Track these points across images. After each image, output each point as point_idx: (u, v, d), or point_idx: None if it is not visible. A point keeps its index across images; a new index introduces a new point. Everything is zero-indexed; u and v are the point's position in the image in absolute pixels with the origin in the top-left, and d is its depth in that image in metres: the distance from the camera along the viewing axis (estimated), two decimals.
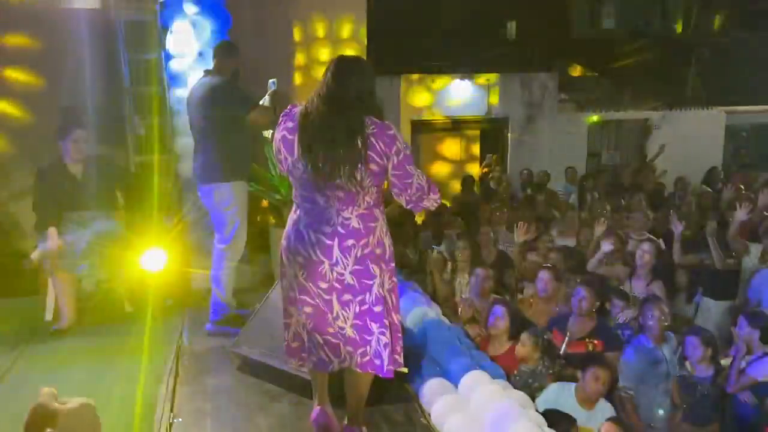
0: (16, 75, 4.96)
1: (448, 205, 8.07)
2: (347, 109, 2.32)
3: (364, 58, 8.49)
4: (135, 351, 3.87)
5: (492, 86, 10.45)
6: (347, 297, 2.41)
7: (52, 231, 4.10)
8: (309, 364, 2.59)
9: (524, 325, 3.96)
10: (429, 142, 10.79)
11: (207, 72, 3.94)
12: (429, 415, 3.01)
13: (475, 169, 10.78)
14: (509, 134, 10.58)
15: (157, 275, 4.44)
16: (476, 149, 11.00)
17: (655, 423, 3.70)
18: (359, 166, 2.29)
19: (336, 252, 2.37)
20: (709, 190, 8.46)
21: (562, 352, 3.94)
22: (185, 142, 4.49)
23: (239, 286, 4.59)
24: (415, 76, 10.27)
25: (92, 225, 4.23)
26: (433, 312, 3.94)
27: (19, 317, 4.43)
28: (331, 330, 2.48)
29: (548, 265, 4.75)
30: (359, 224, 2.37)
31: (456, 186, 9.62)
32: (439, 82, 10.30)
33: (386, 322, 2.44)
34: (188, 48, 4.66)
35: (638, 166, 9.58)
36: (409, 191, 2.42)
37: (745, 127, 11.55)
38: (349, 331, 2.45)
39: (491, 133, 10.87)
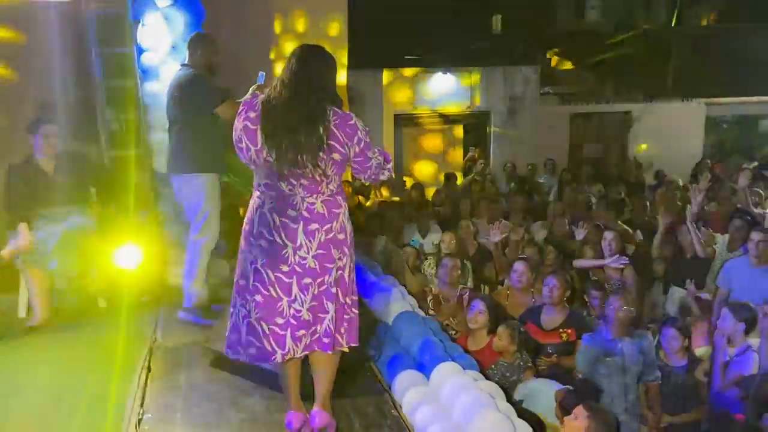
0: None
1: (431, 199, 8.10)
2: (310, 96, 2.36)
3: (346, 52, 8.50)
4: (108, 347, 3.84)
5: (475, 80, 10.46)
6: (307, 280, 2.45)
7: (23, 227, 4.05)
8: (245, 358, 2.59)
9: (504, 319, 3.97)
10: (412, 136, 10.80)
11: (182, 65, 3.91)
12: (400, 407, 3.01)
13: (458, 162, 10.81)
14: (492, 127, 10.61)
15: (131, 271, 4.41)
16: (459, 143, 11.02)
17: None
18: (321, 154, 2.33)
19: (301, 236, 2.41)
20: (679, 180, 8.53)
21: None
22: (159, 136, 4.45)
23: (217, 281, 4.57)
24: (398, 70, 10.26)
25: (64, 221, 4.18)
26: (407, 305, 3.94)
27: None
28: (280, 320, 2.48)
29: (523, 256, 4.77)
30: (323, 209, 2.43)
31: (439, 180, 9.64)
32: (422, 76, 10.30)
33: (341, 302, 2.52)
34: (161, 41, 4.62)
35: (619, 158, 9.64)
36: (369, 171, 2.53)
37: (726, 118, 11.65)
38: (305, 314, 2.47)
39: (474, 126, 10.90)
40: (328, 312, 2.48)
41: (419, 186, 8.70)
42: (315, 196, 2.42)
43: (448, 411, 2.82)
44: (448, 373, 3.04)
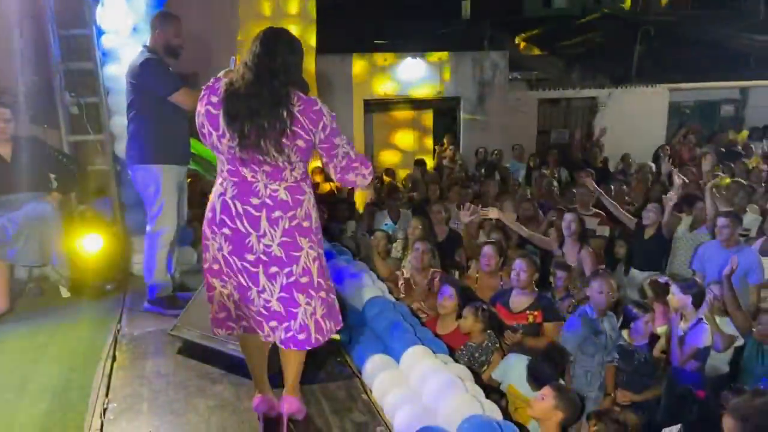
0: None
1: (402, 185, 8.11)
2: (273, 80, 2.29)
3: (314, 36, 8.39)
4: (71, 336, 3.77)
5: (444, 65, 10.46)
6: (274, 269, 2.39)
7: None
8: (240, 330, 2.56)
9: (470, 301, 4.00)
10: (382, 121, 10.76)
11: (142, 47, 3.79)
12: (370, 390, 3.02)
13: (428, 147, 10.82)
14: (461, 113, 10.64)
15: (94, 259, 4.32)
16: (429, 128, 11.03)
17: (588, 393, 3.78)
18: (284, 140, 2.27)
19: (264, 223, 2.35)
20: (652, 165, 8.69)
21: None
22: (120, 121, 4.32)
23: (184, 269, 4.50)
24: (367, 55, 10.18)
25: (23, 208, 4.05)
26: (378, 290, 3.94)
27: None
28: (252, 308, 2.45)
29: (491, 240, 4.80)
30: (287, 196, 2.37)
31: (409, 165, 9.64)
32: (391, 61, 10.25)
33: (312, 293, 2.44)
34: (121, 23, 4.48)
35: (586, 143, 9.76)
36: (335, 160, 2.42)
37: (689, 103, 11.89)
38: (275, 305, 2.42)
39: (444, 111, 10.91)
40: (299, 305, 2.42)
41: (391, 171, 8.71)
42: (278, 183, 2.36)
43: (417, 394, 2.84)
44: (418, 357, 3.06)
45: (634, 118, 10.60)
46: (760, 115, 11.65)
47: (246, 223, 2.36)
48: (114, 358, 3.39)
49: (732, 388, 3.39)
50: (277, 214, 2.35)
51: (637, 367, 3.86)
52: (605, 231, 5.87)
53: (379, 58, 10.25)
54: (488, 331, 3.76)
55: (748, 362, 3.86)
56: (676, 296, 3.99)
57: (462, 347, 3.76)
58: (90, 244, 4.25)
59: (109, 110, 4.59)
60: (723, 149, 9.42)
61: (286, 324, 2.44)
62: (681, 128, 10.84)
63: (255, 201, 2.35)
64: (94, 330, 3.81)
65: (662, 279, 4.76)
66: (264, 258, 2.38)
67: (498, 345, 3.78)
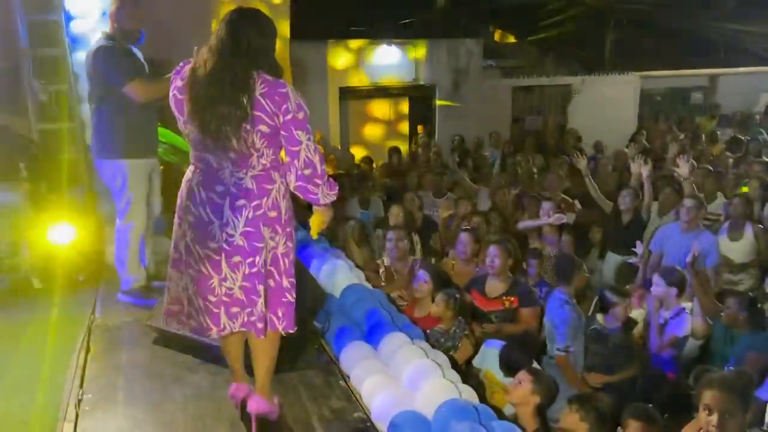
0: None
1: (377, 173, 8.11)
2: (236, 63, 2.19)
3: (288, 22, 8.29)
4: (44, 328, 3.71)
5: (419, 53, 10.45)
6: (237, 259, 2.31)
7: None
8: (187, 327, 2.51)
9: (448, 287, 4.03)
10: (357, 109, 10.72)
11: (101, 33, 3.65)
12: (348, 378, 3.03)
13: (404, 135, 10.82)
14: (437, 100, 10.65)
15: (66, 249, 4.25)
16: (405, 116, 11.02)
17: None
18: (246, 125, 2.18)
19: (227, 212, 2.28)
20: (626, 150, 8.82)
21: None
22: (92, 108, 4.24)
23: (159, 258, 4.45)
24: (342, 42, 10.11)
25: None
26: (355, 277, 3.95)
27: None
28: (212, 298, 2.37)
29: (467, 227, 4.84)
30: (253, 185, 2.28)
31: (384, 153, 9.63)
32: (367, 48, 10.20)
33: (270, 283, 2.37)
34: (90, 8, 4.38)
35: (559, 130, 9.87)
36: (296, 162, 2.27)
37: (659, 90, 12.07)
38: (237, 293, 2.36)
39: (419, 99, 10.90)
40: (260, 295, 2.34)
41: (369, 159, 8.70)
42: (244, 170, 2.26)
43: (395, 380, 2.86)
44: (395, 344, 3.08)
45: (606, 104, 10.74)
46: (728, 103, 11.89)
47: (209, 211, 2.30)
48: (88, 349, 3.35)
49: (701, 370, 3.48)
50: (241, 202, 2.28)
51: (612, 350, 3.94)
52: (570, 217, 5.94)
53: (355, 45, 10.19)
54: (458, 318, 3.80)
55: (716, 345, 3.96)
56: (659, 286, 4.05)
57: (428, 330, 3.77)
58: (61, 233, 4.18)
59: (79, 97, 4.50)
60: (691, 135, 9.61)
61: (248, 310, 2.37)
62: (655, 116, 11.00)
63: (219, 188, 2.28)
64: (67, 321, 3.76)
65: (632, 260, 4.87)
66: (226, 247, 2.31)
67: (467, 332, 3.81)
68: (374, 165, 8.53)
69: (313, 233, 2.58)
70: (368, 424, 2.68)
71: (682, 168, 5.32)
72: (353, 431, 2.64)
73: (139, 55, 3.72)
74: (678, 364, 4.01)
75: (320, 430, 2.64)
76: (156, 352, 3.32)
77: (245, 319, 2.39)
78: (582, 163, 5.93)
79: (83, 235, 4.28)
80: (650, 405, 3.40)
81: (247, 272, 2.33)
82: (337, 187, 2.44)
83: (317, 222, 2.53)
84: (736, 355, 3.66)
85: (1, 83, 4.51)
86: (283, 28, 8.18)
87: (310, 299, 3.34)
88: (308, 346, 3.34)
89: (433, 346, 3.30)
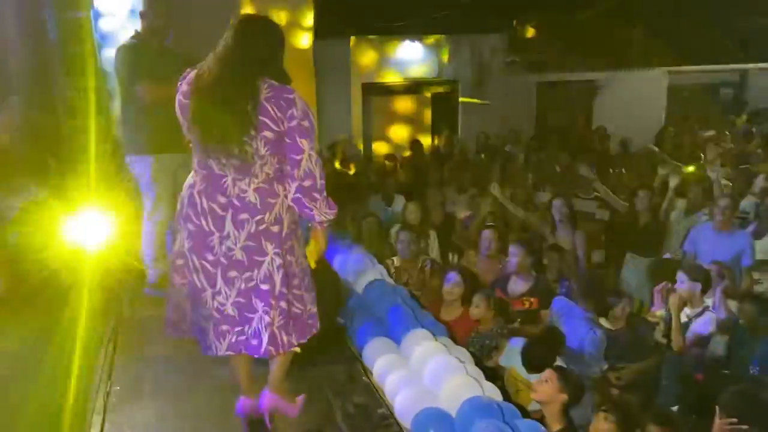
0: None
1: (398, 168, 8.09)
2: (241, 71, 2.16)
3: (311, 19, 8.31)
4: (73, 320, 3.78)
5: (443, 48, 10.40)
6: (233, 273, 2.25)
7: None
8: (191, 334, 2.42)
9: (477, 289, 4.02)
10: (380, 105, 10.70)
11: (134, 31, 3.73)
12: (371, 373, 3.04)
13: (426, 130, 10.79)
14: (459, 97, 10.59)
15: (94, 244, 4.32)
16: (428, 112, 10.99)
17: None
18: (251, 132, 2.13)
19: (228, 225, 2.22)
20: (656, 149, 8.68)
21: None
22: (120, 104, 4.31)
23: None
24: (365, 38, 10.11)
25: (23, 193, 4.05)
26: (378, 273, 3.96)
27: None
28: (203, 311, 2.31)
29: (491, 224, 4.81)
30: (256, 199, 2.21)
31: (407, 149, 9.62)
32: (390, 44, 10.18)
33: (272, 301, 2.25)
34: (118, 5, 4.45)
35: (584, 126, 9.74)
36: (297, 172, 2.19)
37: (688, 86, 11.84)
38: (229, 309, 2.28)
39: (442, 95, 10.85)
40: (256, 311, 2.25)
41: (392, 156, 8.70)
42: (247, 180, 2.19)
43: (418, 376, 2.86)
44: (418, 340, 3.08)
45: (633, 101, 10.56)
46: (758, 99, 11.62)
47: (210, 222, 2.23)
48: (116, 343, 3.42)
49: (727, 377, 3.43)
50: (244, 216, 2.21)
51: (624, 347, 3.90)
52: (605, 215, 5.88)
53: (378, 41, 10.18)
54: (497, 318, 3.78)
55: (739, 347, 3.89)
56: (684, 283, 3.98)
57: (473, 334, 3.74)
58: (91, 228, 4.24)
59: (108, 94, 4.57)
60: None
61: (238, 329, 2.29)
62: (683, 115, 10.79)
63: (222, 199, 2.22)
64: (95, 314, 3.81)
65: (668, 256, 4.81)
66: (223, 261, 2.25)
67: (506, 331, 3.79)
68: (398, 162, 8.51)
69: (311, 262, 2.42)
70: (391, 420, 2.68)
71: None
72: (376, 427, 2.65)
73: (173, 54, 3.74)
74: (704, 363, 3.94)
75: (344, 426, 2.65)
76: (181, 345, 3.33)
77: (234, 339, 2.29)
78: (584, 169, 5.84)
79: (111, 231, 4.34)
80: (677, 407, 3.36)
81: (243, 287, 2.26)
82: (336, 208, 2.33)
83: (314, 249, 2.39)
84: (760, 356, 3.58)
85: (32, 80, 4.59)
86: (308, 24, 8.23)
87: (333, 295, 3.36)
88: (331, 341, 3.35)
89: (477, 350, 3.29)
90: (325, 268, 3.41)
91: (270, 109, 2.14)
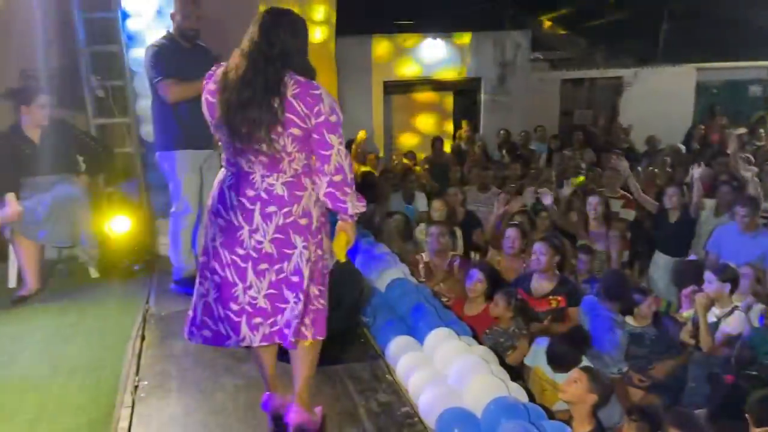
0: None
1: (420, 167, 8.09)
2: (269, 67, 2.14)
3: (333, 16, 8.32)
4: (101, 316, 3.85)
5: (465, 46, 10.34)
6: (263, 266, 2.25)
7: (10, 197, 3.99)
8: (199, 339, 2.40)
9: (501, 286, 4.00)
10: (401, 103, 10.70)
11: (166, 32, 3.81)
12: (394, 371, 3.04)
13: (448, 128, 10.75)
14: (482, 94, 10.53)
15: (122, 240, 4.40)
16: (449, 109, 10.95)
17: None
18: (278, 128, 2.13)
19: (257, 218, 2.23)
20: (683, 147, 8.55)
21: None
22: (146, 104, 4.36)
23: None
24: (387, 36, 10.10)
25: (52, 190, 4.13)
26: (400, 272, 3.96)
27: None
28: (234, 306, 2.30)
29: (514, 222, 4.78)
30: (284, 191, 2.22)
31: (428, 147, 9.59)
32: (411, 41, 10.15)
33: (301, 295, 2.25)
34: (146, 6, 4.50)
35: (610, 124, 9.62)
36: (327, 167, 2.20)
37: (716, 83, 11.63)
38: (261, 301, 2.28)
39: (465, 93, 10.80)
40: (287, 302, 2.26)
41: (412, 155, 8.69)
42: (275, 175, 2.20)
43: (442, 376, 2.85)
44: (442, 339, 3.07)
45: (660, 98, 10.39)
46: None
47: (240, 216, 2.24)
48: (143, 338, 3.46)
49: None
50: (272, 209, 2.22)
51: (650, 347, 3.85)
52: (629, 214, 5.81)
53: (399, 38, 10.16)
54: (516, 318, 3.77)
55: (762, 345, 3.82)
56: (713, 284, 3.92)
57: (488, 330, 3.76)
58: (117, 225, 4.32)
59: (134, 93, 4.64)
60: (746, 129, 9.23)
61: (271, 320, 2.29)
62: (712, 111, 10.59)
63: (250, 193, 2.23)
64: (122, 310, 3.89)
65: (693, 257, 4.74)
66: (254, 254, 2.25)
67: (525, 331, 3.77)
68: (417, 160, 8.50)
69: (341, 256, 2.40)
70: (416, 419, 2.68)
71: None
72: (401, 426, 2.64)
73: (204, 53, 3.80)
74: (733, 364, 3.88)
75: (368, 424, 2.65)
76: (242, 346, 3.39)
77: (267, 331, 2.30)
78: (623, 164, 5.75)
79: (138, 227, 4.41)
80: (705, 409, 3.31)
81: (273, 279, 2.27)
82: (365, 201, 2.33)
83: (342, 242, 2.36)
84: None
85: (61, 80, 4.67)
86: (331, 21, 8.23)
87: (356, 293, 3.37)
88: (355, 339, 3.36)
89: (492, 346, 3.28)
90: (348, 265, 3.42)
91: (297, 105, 2.13)
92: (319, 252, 2.33)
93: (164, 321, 3.69)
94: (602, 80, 11.05)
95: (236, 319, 2.31)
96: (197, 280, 2.40)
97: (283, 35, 2.19)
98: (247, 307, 2.30)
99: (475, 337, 3.30)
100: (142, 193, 4.68)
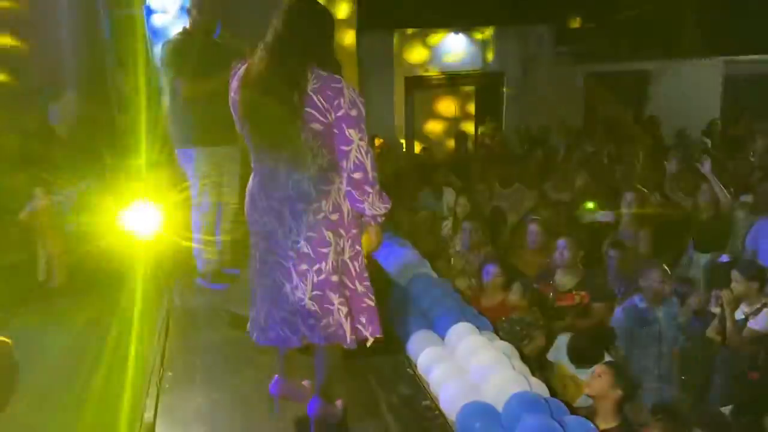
0: None
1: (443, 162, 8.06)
2: (290, 58, 2.09)
3: (355, 12, 8.31)
4: (127, 309, 3.90)
5: (487, 40, 10.26)
6: (303, 267, 2.21)
7: (39, 191, 4.08)
8: (265, 341, 2.42)
9: (517, 278, 3.99)
10: (424, 99, 10.66)
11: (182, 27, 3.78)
12: (415, 366, 3.05)
13: (470, 124, 10.70)
14: (504, 89, 10.44)
15: (147, 234, 4.45)
16: (472, 105, 10.88)
17: (646, 385, 3.72)
18: (299, 124, 2.07)
19: (287, 218, 2.19)
20: (707, 140, 8.40)
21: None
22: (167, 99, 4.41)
23: (234, 247, 4.59)
24: (409, 31, 10.07)
25: (80, 184, 4.21)
26: (423, 266, 3.96)
27: (10, 277, 4.43)
28: (288, 307, 2.29)
29: (536, 217, 4.75)
30: (310, 187, 2.15)
31: (452, 143, 9.56)
32: (434, 36, 10.11)
33: (345, 292, 2.25)
34: (169, 2, 4.55)
35: (636, 117, 9.48)
36: (346, 164, 2.12)
37: (745, 76, 11.38)
38: (309, 304, 2.24)
39: (487, 88, 10.73)
40: (333, 303, 2.22)
41: (428, 150, 8.67)
42: (301, 172, 2.14)
43: (463, 370, 2.85)
44: (463, 333, 3.07)
45: (687, 91, 10.21)
46: None
47: (273, 219, 2.23)
48: (168, 330, 3.51)
49: None
50: (300, 207, 2.17)
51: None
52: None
53: (421, 34, 10.12)
54: (533, 308, 3.74)
55: None
56: (739, 282, 3.86)
57: (503, 320, 3.72)
58: (144, 219, 4.37)
59: (159, 88, 4.68)
60: None
61: (324, 321, 2.26)
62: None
63: (277, 194, 2.20)
64: (148, 303, 3.93)
65: (724, 259, 4.65)
66: (292, 254, 2.22)
67: (541, 323, 3.74)
68: (432, 155, 8.46)
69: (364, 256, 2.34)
70: (436, 412, 2.68)
71: None
72: (421, 419, 2.65)
73: (221, 48, 3.75)
74: (761, 362, 3.81)
75: (389, 417, 2.66)
76: (230, 335, 3.44)
77: (322, 333, 2.27)
78: (706, 166, 5.32)
79: (163, 220, 4.46)
80: (731, 406, 3.26)
81: (315, 281, 2.22)
82: (390, 202, 2.24)
83: (365, 244, 2.29)
84: None
85: (87, 75, 4.75)
86: (351, 17, 8.23)
87: (376, 288, 3.38)
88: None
89: (509, 334, 3.27)
90: (370, 261, 3.43)
91: (317, 100, 2.06)
92: (357, 247, 2.27)
93: (189, 314, 3.74)
94: (628, 73, 10.88)
95: (293, 319, 2.30)
96: (253, 284, 2.39)
97: (306, 27, 2.13)
98: (300, 308, 2.27)
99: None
100: (167, 187, 4.73)
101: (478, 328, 3.16)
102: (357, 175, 2.14)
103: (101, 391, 2.98)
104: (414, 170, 7.23)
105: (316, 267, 2.21)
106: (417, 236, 4.88)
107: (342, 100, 2.08)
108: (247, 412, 2.73)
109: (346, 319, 2.24)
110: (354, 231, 2.26)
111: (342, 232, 2.22)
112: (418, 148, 9.75)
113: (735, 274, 3.92)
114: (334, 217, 2.20)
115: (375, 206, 2.19)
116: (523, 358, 3.11)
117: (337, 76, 2.12)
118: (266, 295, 2.35)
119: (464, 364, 2.89)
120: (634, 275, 4.13)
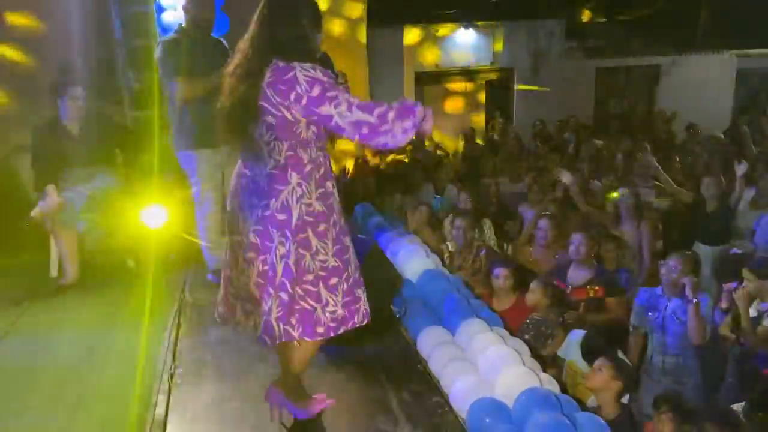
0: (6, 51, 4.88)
1: (452, 158, 8.05)
2: (254, 56, 2.11)
3: (365, 8, 8.29)
4: (138, 305, 3.93)
5: (497, 35, 10.22)
6: (251, 255, 2.26)
7: (51, 189, 4.10)
8: (216, 315, 2.52)
9: (527, 278, 3.97)
10: (433, 93, 10.64)
11: (178, 26, 3.73)
12: (426, 361, 3.04)
13: (480, 119, 10.67)
14: (515, 84, 10.40)
15: (158, 231, 4.47)
16: (482, 99, 10.86)
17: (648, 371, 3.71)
18: (254, 119, 2.10)
19: (246, 207, 2.26)
20: (721, 135, 8.30)
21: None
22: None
23: None
24: (419, 26, 10.04)
25: (91, 182, 4.23)
26: (432, 262, 3.95)
27: (23, 273, 4.48)
28: (231, 289, 2.40)
29: (547, 213, 4.73)
30: (264, 183, 2.18)
31: (460, 138, 9.53)
32: (443, 31, 10.07)
33: (271, 290, 2.19)
34: None
35: (647, 113, 9.41)
36: (345, 133, 2.07)
37: (758, 71, 11.26)
38: (253, 288, 2.29)
39: (497, 83, 10.69)
40: (270, 295, 2.19)
41: (438, 145, 8.65)
42: (260, 167, 2.18)
43: (474, 366, 2.85)
44: (474, 329, 3.06)
45: (699, 87, 10.13)
46: None
47: (237, 203, 2.32)
48: (179, 326, 3.53)
49: None
50: (254, 200, 2.22)
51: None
52: (664, 204, 5.68)
53: (432, 28, 10.09)
54: (553, 306, 3.73)
55: None
56: (752, 282, 3.82)
57: (528, 320, 3.69)
58: (154, 216, 4.39)
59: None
60: None
61: (260, 308, 2.27)
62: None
63: (243, 181, 2.29)
64: (159, 299, 3.95)
65: (736, 251, 4.61)
66: (244, 240, 2.28)
67: (562, 320, 3.73)
68: (439, 151, 8.44)
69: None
70: (447, 408, 2.68)
71: None
72: (432, 415, 2.65)
73: (216, 46, 3.75)
74: None
75: (399, 412, 2.66)
76: (240, 330, 3.44)
77: (258, 321, 2.27)
78: (650, 159, 5.53)
79: (174, 218, 4.48)
80: (743, 403, 3.22)
81: (260, 269, 2.24)
82: (417, 105, 2.07)
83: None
84: None
85: (99, 73, 4.77)
86: (361, 12, 8.22)
87: (387, 284, 3.38)
88: (386, 330, 3.37)
89: (532, 338, 3.25)
90: (379, 256, 3.43)
91: (269, 94, 2.06)
92: (302, 251, 2.18)
93: (200, 310, 3.75)
94: (639, 68, 10.80)
95: (233, 302, 2.41)
96: (223, 264, 2.47)
97: (274, 21, 2.12)
98: (242, 293, 2.35)
99: (509, 330, 3.27)
100: (178, 184, 4.74)
101: (488, 323, 3.15)
102: (365, 130, 2.05)
103: (112, 386, 3.00)
104: (419, 165, 7.22)
105: (262, 258, 2.24)
106: (418, 232, 4.86)
107: (298, 89, 2.04)
108: (257, 408, 2.73)
109: (262, 317, 2.21)
110: (302, 235, 2.19)
111: (288, 233, 2.16)
112: (427, 143, 9.72)
113: (746, 272, 3.88)
114: (282, 217, 2.17)
115: (398, 140, 2.07)
116: (543, 356, 3.11)
117: (290, 65, 2.06)
118: (225, 273, 2.43)
119: (475, 360, 2.88)
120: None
